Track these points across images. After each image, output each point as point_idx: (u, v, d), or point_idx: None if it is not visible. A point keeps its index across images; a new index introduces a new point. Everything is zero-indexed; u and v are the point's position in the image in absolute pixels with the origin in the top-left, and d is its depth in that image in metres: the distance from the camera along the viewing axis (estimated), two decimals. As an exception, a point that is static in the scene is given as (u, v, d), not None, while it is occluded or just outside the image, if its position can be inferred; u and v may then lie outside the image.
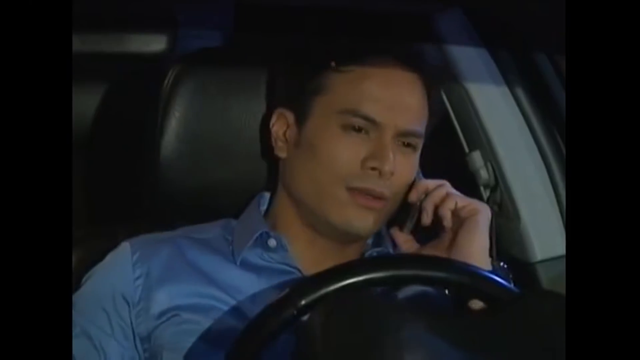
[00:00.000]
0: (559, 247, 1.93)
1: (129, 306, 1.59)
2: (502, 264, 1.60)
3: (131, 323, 1.59)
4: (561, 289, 1.29)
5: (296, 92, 1.61)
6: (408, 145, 1.60)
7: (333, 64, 1.58)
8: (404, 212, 1.66)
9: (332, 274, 1.41)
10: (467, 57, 1.94)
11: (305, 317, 1.36)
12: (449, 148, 2.04)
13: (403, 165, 1.59)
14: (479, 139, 1.97)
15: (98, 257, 1.65)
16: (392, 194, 1.59)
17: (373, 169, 1.56)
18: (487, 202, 1.99)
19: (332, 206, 1.57)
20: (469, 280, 1.46)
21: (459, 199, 1.62)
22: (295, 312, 1.37)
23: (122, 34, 2.20)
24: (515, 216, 1.96)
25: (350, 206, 1.57)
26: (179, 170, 1.72)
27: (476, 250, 1.59)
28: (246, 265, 1.61)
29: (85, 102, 2.21)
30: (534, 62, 1.95)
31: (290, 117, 1.62)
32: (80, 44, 2.11)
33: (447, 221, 1.61)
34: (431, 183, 1.64)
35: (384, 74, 1.59)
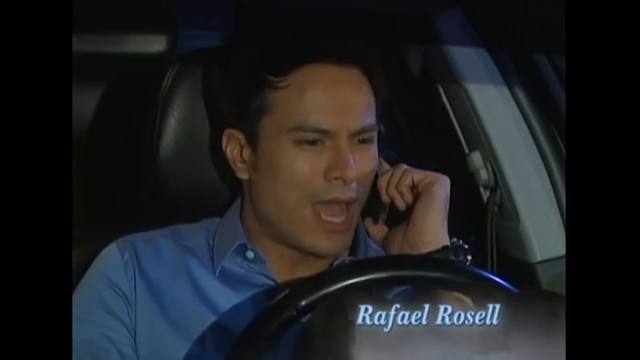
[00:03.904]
0: (558, 247, 1.94)
1: (128, 305, 1.59)
2: (461, 242, 1.58)
3: (132, 322, 1.59)
4: (561, 289, 1.29)
5: (241, 113, 1.58)
6: (364, 141, 1.58)
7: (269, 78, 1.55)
8: (375, 205, 1.65)
9: (333, 275, 1.41)
10: (467, 58, 1.94)
11: (305, 318, 1.36)
12: (448, 148, 2.05)
13: (364, 163, 1.57)
14: (479, 139, 1.97)
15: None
16: (360, 194, 1.58)
17: (337, 178, 1.55)
18: (487, 202, 1.99)
19: (301, 229, 1.56)
20: (468, 280, 1.46)
21: (415, 174, 1.61)
22: (295, 312, 1.37)
23: (121, 34, 2.20)
24: (515, 217, 1.96)
25: (319, 232, 1.56)
26: (177, 170, 1.71)
27: (430, 224, 1.58)
28: (225, 276, 1.61)
29: (84, 102, 2.21)
30: (534, 63, 1.95)
31: (240, 137, 1.59)
32: (79, 44, 2.11)
33: (406, 197, 1.62)
34: (389, 171, 1.64)
35: (322, 80, 1.55)
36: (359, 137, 1.57)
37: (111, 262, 1.62)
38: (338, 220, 1.56)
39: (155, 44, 2.21)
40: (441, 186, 1.60)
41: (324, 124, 1.54)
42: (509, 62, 1.95)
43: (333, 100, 1.55)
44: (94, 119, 2.22)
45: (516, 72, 1.95)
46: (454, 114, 2.00)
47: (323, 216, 1.56)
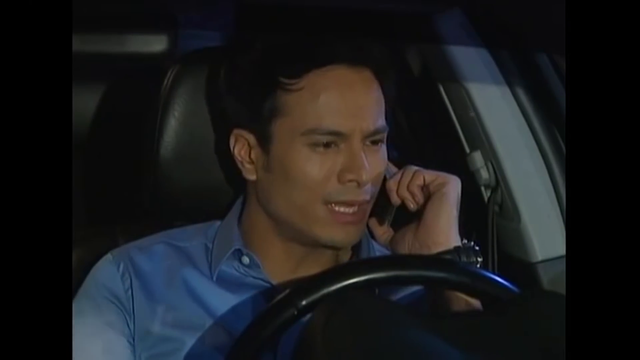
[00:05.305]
0: (559, 247, 1.93)
1: (126, 315, 1.60)
2: (472, 243, 1.57)
3: (131, 332, 1.60)
4: (561, 289, 1.29)
5: (252, 114, 1.58)
6: (376, 142, 1.58)
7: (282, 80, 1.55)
8: (381, 207, 1.65)
9: (334, 274, 1.41)
10: (468, 58, 1.94)
11: (305, 318, 1.36)
12: (449, 148, 2.04)
13: (376, 164, 1.58)
14: (480, 139, 1.97)
15: (98, 257, 1.65)
16: (372, 194, 1.59)
17: (351, 181, 1.55)
18: (488, 202, 1.99)
19: (315, 224, 1.57)
20: (470, 280, 1.45)
21: (426, 175, 1.60)
22: (295, 312, 1.37)
23: (122, 34, 2.20)
24: (516, 216, 1.96)
25: (333, 224, 1.56)
26: (178, 169, 1.71)
27: (442, 225, 1.57)
28: (222, 280, 1.61)
29: (85, 102, 2.21)
30: (535, 62, 1.95)
31: (250, 138, 1.59)
32: (81, 44, 2.11)
33: (418, 197, 1.60)
34: (398, 173, 1.63)
35: (335, 82, 1.55)
36: (372, 139, 1.57)
37: (107, 274, 1.62)
38: (350, 210, 1.57)
39: (156, 44, 2.21)
40: (453, 187, 1.59)
41: (338, 127, 1.54)
42: (510, 62, 1.95)
43: (347, 103, 1.55)
44: (94, 118, 2.22)
45: (517, 71, 1.95)
46: (455, 113, 2.00)
47: (336, 209, 1.56)
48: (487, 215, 1.99)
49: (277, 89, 1.55)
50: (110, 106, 2.24)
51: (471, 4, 1.82)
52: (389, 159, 1.64)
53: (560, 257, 1.94)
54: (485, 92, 1.94)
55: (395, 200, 1.62)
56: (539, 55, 1.93)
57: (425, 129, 2.18)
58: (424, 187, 1.60)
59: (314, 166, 1.55)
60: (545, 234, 1.95)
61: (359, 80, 1.57)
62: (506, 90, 1.95)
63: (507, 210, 1.97)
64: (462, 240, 1.58)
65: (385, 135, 1.60)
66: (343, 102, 1.55)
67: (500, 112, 1.95)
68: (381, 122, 1.58)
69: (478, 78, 1.93)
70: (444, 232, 1.57)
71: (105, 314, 1.59)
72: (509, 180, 1.95)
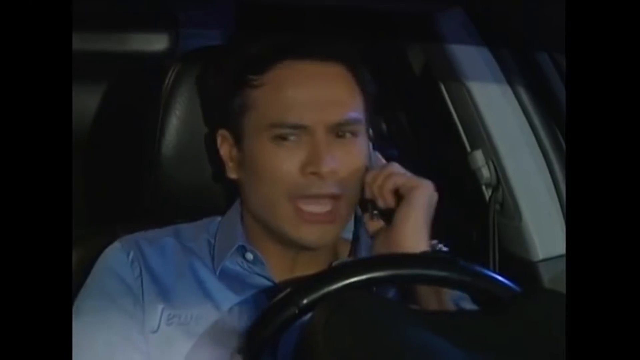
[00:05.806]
0: (560, 245, 1.93)
1: (137, 302, 1.59)
2: (440, 245, 1.56)
3: (142, 320, 1.59)
4: (563, 287, 1.29)
5: (227, 112, 1.60)
6: (346, 134, 1.57)
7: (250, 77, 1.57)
8: (366, 201, 1.64)
9: (334, 273, 1.41)
10: (469, 56, 1.94)
11: (306, 317, 1.36)
12: (450, 147, 2.05)
13: (346, 157, 1.57)
14: (481, 138, 1.97)
15: (98, 256, 1.64)
16: (345, 189, 1.57)
17: (313, 173, 1.54)
18: (489, 201, 1.99)
19: (284, 222, 1.57)
20: (471, 279, 1.45)
21: (399, 178, 1.59)
22: (297, 311, 1.37)
23: (123, 33, 2.21)
24: (517, 215, 1.96)
25: (301, 223, 1.56)
26: (179, 168, 1.72)
27: (409, 229, 1.56)
28: (225, 277, 1.61)
29: (86, 102, 2.21)
30: (536, 61, 1.95)
31: (229, 137, 1.61)
32: (81, 43, 2.11)
33: (389, 201, 1.59)
34: (378, 169, 1.61)
35: (298, 76, 1.56)
36: (339, 131, 1.56)
37: (117, 260, 1.62)
38: (319, 210, 1.56)
39: (157, 43, 2.21)
40: (422, 192, 1.58)
41: (300, 120, 1.54)
42: (511, 60, 1.95)
43: (309, 95, 1.56)
44: (96, 117, 2.23)
45: (518, 70, 1.95)
46: (456, 112, 2.01)
47: (303, 207, 1.56)
48: (488, 213, 1.99)
49: (245, 86, 1.57)
50: (111, 105, 2.24)
51: (472, 3, 1.82)
52: (390, 158, 1.63)
53: (562, 255, 1.94)
54: (486, 90, 1.95)
55: (368, 195, 1.61)
56: (539, 54, 1.93)
57: (426, 128, 2.19)
58: (396, 190, 1.60)
59: (277, 160, 1.55)
60: (546, 232, 1.95)
61: (325, 74, 1.57)
62: (507, 88, 1.95)
63: (508, 208, 1.97)
64: (432, 241, 1.57)
65: (359, 128, 1.59)
66: (305, 95, 1.55)
67: (501, 111, 1.95)
68: (352, 115, 1.57)
69: (479, 77, 1.93)
70: (410, 237, 1.56)
71: (119, 301, 1.58)
72: (510, 179, 1.96)
